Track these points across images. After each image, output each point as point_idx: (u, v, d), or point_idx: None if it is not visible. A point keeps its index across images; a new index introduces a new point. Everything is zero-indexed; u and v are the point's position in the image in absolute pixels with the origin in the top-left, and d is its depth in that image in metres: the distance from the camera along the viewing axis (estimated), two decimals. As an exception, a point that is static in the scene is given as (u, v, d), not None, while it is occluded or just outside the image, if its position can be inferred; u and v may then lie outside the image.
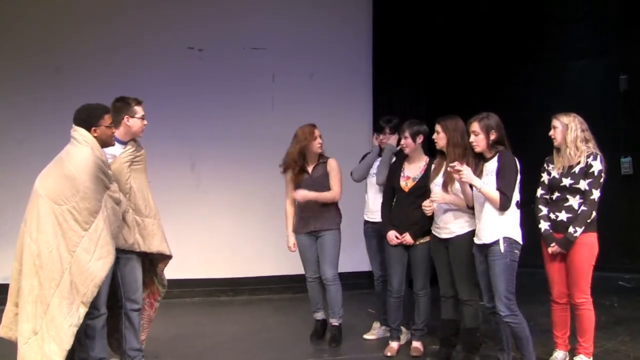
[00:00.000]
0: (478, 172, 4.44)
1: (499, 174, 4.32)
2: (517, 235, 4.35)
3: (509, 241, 4.29)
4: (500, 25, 8.47)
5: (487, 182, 4.36)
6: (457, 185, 4.62)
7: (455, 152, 4.70)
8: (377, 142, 5.58)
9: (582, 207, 4.51)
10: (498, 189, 4.29)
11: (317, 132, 5.48)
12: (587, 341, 4.61)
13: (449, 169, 4.54)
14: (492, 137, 4.39)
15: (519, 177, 4.37)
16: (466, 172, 4.37)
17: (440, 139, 4.79)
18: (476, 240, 4.46)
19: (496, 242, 4.29)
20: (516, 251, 4.32)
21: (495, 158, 4.40)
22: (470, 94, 7.75)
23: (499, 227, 4.30)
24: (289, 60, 7.78)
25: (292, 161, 5.50)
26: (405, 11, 7.84)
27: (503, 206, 4.27)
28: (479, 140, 4.43)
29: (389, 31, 7.86)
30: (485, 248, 4.37)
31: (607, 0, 8.22)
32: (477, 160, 4.50)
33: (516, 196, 4.36)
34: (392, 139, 5.49)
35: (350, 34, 8.00)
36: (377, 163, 5.52)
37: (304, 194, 5.39)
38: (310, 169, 5.53)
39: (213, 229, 7.58)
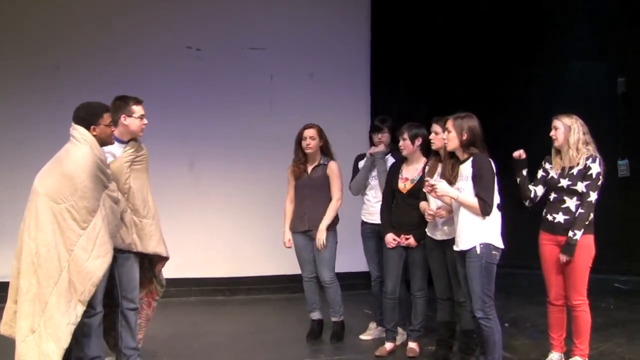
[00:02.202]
0: (454, 175, 4.42)
1: (475, 179, 4.25)
2: (496, 240, 4.28)
3: (486, 245, 4.23)
4: (499, 25, 8.45)
5: (464, 187, 4.32)
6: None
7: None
8: (370, 152, 5.53)
9: (580, 210, 4.51)
10: (476, 195, 4.24)
11: (307, 132, 5.50)
12: (583, 343, 4.62)
13: (424, 189, 4.55)
14: (464, 137, 4.32)
15: (496, 179, 4.30)
16: (439, 186, 4.33)
17: (437, 140, 4.79)
18: (455, 247, 4.41)
19: (473, 249, 4.25)
20: (494, 253, 4.25)
21: (470, 162, 4.32)
22: (469, 95, 7.74)
23: (476, 233, 4.25)
24: (288, 60, 7.76)
25: (295, 159, 5.58)
26: (404, 11, 7.82)
27: (484, 212, 4.21)
28: (450, 138, 4.39)
29: (388, 31, 7.84)
30: (464, 253, 4.33)
31: (606, 1, 8.22)
32: (454, 162, 4.46)
33: (496, 199, 4.29)
34: (385, 138, 5.49)
35: (349, 34, 7.98)
36: (373, 173, 5.52)
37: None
38: (309, 169, 5.55)
39: (210, 228, 7.58)
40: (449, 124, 4.39)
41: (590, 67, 8.40)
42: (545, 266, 4.73)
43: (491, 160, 4.32)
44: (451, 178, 4.45)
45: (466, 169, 4.33)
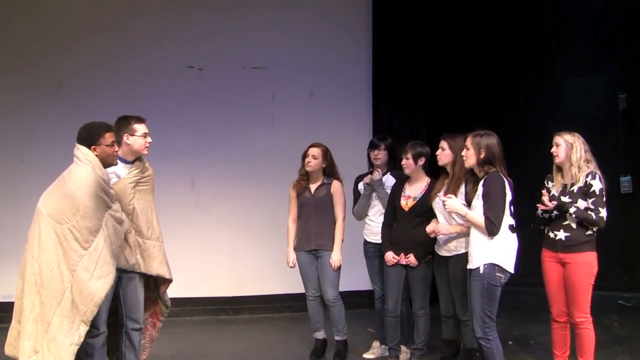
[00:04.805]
0: (474, 192, 4.42)
1: (484, 197, 4.25)
2: (504, 262, 4.23)
3: (490, 266, 4.20)
4: (500, 41, 8.51)
5: (476, 205, 4.32)
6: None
7: (458, 172, 4.69)
8: (369, 180, 5.47)
9: (590, 212, 4.47)
10: (484, 213, 4.23)
11: (311, 150, 5.53)
12: (587, 360, 4.60)
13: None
14: (481, 155, 4.33)
15: (508, 199, 4.26)
16: (449, 202, 4.37)
17: (444, 156, 4.80)
18: (468, 265, 4.40)
19: (477, 268, 4.24)
20: (499, 275, 4.21)
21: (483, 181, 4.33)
22: (469, 111, 7.78)
23: (484, 252, 4.23)
24: (289, 79, 7.80)
25: (299, 178, 5.59)
26: (406, 27, 7.84)
27: (490, 231, 4.20)
28: (468, 156, 4.40)
29: (389, 47, 7.86)
30: (471, 272, 4.32)
31: (607, 18, 8.27)
32: (474, 180, 4.47)
33: (508, 220, 4.26)
34: (381, 156, 5.51)
35: (350, 51, 8.01)
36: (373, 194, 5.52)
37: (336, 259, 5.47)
38: (313, 188, 5.56)
39: (213, 247, 7.57)
40: (468, 141, 4.40)
41: (591, 83, 8.44)
42: (547, 283, 4.72)
43: (506, 180, 4.29)
44: (455, 194, 4.49)
45: (480, 187, 4.33)
